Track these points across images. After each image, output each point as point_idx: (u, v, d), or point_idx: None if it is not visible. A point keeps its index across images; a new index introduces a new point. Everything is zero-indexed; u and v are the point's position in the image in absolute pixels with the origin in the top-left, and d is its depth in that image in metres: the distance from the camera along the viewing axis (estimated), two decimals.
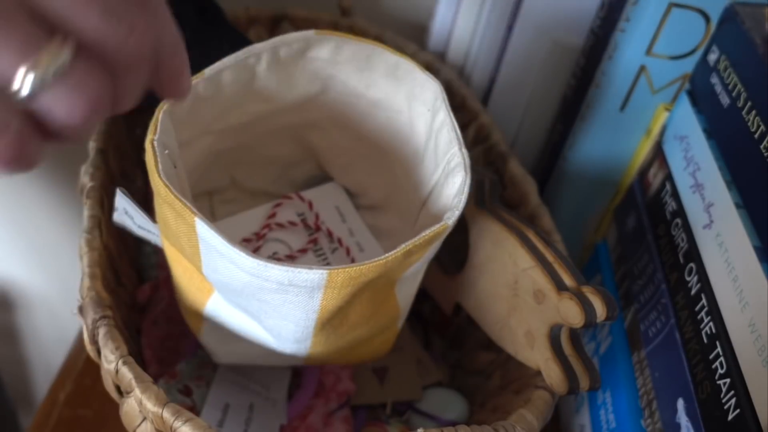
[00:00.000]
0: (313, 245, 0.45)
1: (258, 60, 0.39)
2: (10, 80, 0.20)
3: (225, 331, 0.39)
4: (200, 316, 0.39)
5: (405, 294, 0.39)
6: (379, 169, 0.46)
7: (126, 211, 0.39)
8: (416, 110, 0.41)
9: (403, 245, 0.31)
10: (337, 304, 0.32)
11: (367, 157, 0.46)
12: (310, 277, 0.30)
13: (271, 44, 0.38)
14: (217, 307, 0.37)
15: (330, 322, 0.34)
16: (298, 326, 0.34)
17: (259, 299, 0.32)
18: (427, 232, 0.32)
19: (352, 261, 0.45)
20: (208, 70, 0.37)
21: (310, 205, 0.47)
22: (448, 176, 0.37)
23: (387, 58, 0.40)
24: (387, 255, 0.31)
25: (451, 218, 0.33)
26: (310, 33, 0.39)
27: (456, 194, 0.35)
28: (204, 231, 0.30)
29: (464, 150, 0.36)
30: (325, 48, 0.40)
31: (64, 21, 0.21)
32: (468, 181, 0.35)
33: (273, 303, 0.32)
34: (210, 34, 0.47)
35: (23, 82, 0.20)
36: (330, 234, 0.46)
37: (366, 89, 0.43)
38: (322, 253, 0.45)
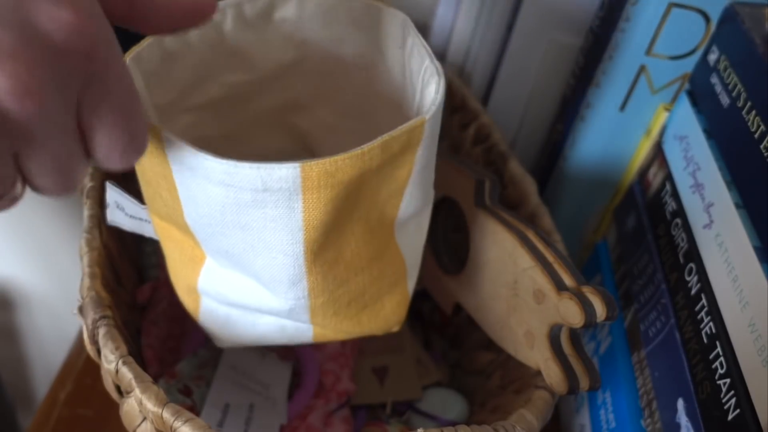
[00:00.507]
0: None
1: (223, 17, 0.37)
2: None
3: (223, 307, 0.38)
4: (196, 293, 0.37)
5: (408, 245, 0.37)
6: (371, 140, 0.44)
7: (117, 205, 0.39)
8: (390, 56, 0.39)
9: (379, 138, 0.29)
10: (321, 218, 0.30)
11: (356, 130, 0.44)
12: (283, 173, 0.28)
13: (233, 0, 0.37)
14: (210, 274, 0.36)
15: (321, 252, 0.32)
16: (287, 256, 0.31)
17: (243, 227, 0.30)
18: (405, 126, 0.30)
19: None
20: None
21: None
22: (425, 89, 0.35)
23: (353, 3, 0.38)
24: (362, 146, 0.29)
25: (428, 113, 0.31)
26: None
27: (433, 93, 0.33)
28: (172, 148, 0.28)
29: (436, 61, 0.34)
30: (290, 5, 0.38)
31: (31, 181, 0.22)
32: (442, 83, 0.33)
33: (254, 226, 0.30)
34: None
35: None
36: None
37: (338, 47, 0.40)
38: None
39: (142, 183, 0.34)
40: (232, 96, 0.41)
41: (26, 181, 0.22)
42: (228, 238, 0.32)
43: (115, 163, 0.24)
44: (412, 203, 0.34)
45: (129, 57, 0.33)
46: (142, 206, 0.38)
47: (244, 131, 0.44)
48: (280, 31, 0.39)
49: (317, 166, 0.28)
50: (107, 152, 0.23)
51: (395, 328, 0.41)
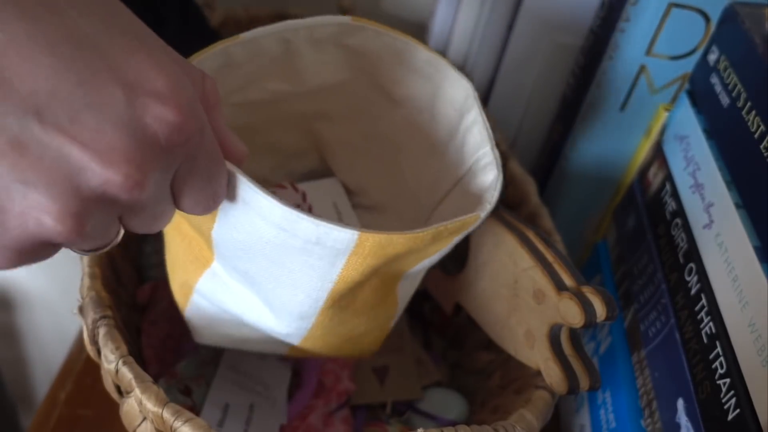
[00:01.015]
0: None
1: (295, 35, 0.38)
2: (62, 242, 0.22)
3: (214, 308, 0.38)
4: (190, 290, 0.38)
5: (405, 293, 0.39)
6: (385, 169, 0.46)
7: None
8: (440, 110, 0.41)
9: (434, 225, 0.31)
10: (354, 277, 0.31)
11: (374, 156, 0.46)
12: (341, 236, 0.29)
13: (309, 22, 0.38)
14: (213, 280, 0.36)
15: (339, 300, 0.34)
16: (308, 298, 0.33)
17: (277, 262, 0.31)
18: (459, 219, 0.31)
19: None
20: (247, 34, 0.36)
21: (304, 196, 0.46)
22: (477, 174, 0.37)
23: (420, 53, 0.39)
24: (418, 230, 0.30)
25: (483, 210, 0.33)
26: (347, 18, 0.38)
27: (489, 189, 0.35)
28: (242, 182, 0.29)
29: (496, 150, 0.36)
30: (360, 36, 0.39)
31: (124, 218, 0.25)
32: (500, 180, 0.35)
33: (290, 266, 0.31)
34: (193, 40, 0.47)
35: (73, 249, 0.25)
36: None
37: (392, 85, 0.42)
38: None
39: None
40: (270, 100, 0.42)
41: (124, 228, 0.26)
42: (254, 264, 0.32)
43: (198, 214, 0.28)
44: (426, 263, 0.36)
45: (194, 61, 0.34)
46: None
47: (263, 124, 0.44)
48: (341, 55, 0.40)
49: (374, 238, 0.29)
50: (191, 208, 0.27)
51: (367, 355, 0.43)
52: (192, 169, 0.25)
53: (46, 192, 0.21)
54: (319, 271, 0.31)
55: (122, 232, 0.26)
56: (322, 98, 0.43)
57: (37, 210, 0.21)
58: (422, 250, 0.32)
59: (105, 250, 0.25)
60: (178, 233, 0.36)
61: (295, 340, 0.37)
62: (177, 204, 0.26)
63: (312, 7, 0.58)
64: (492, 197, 0.34)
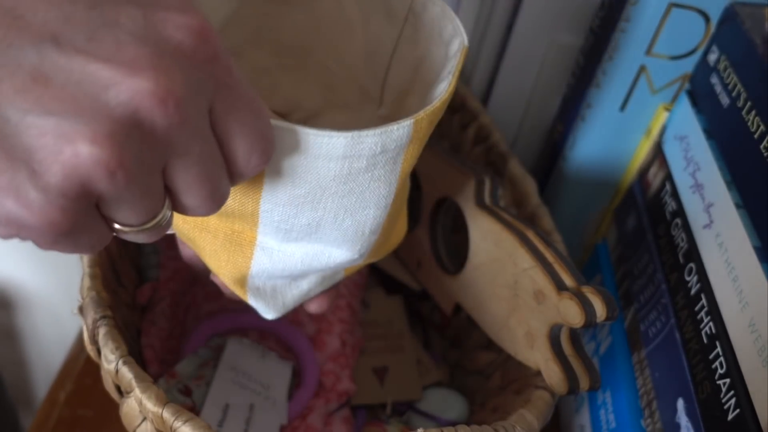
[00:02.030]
0: None
1: None
2: (115, 221, 0.22)
3: (273, 281, 0.37)
4: (245, 280, 0.36)
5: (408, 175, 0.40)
6: (308, 69, 0.43)
7: None
8: None
9: (449, 76, 0.31)
10: (407, 169, 0.32)
11: (292, 66, 0.43)
12: (401, 131, 0.29)
13: None
14: (264, 256, 0.35)
15: (396, 199, 0.33)
16: (378, 209, 0.32)
17: (345, 193, 0.30)
18: (454, 63, 0.31)
19: None
20: None
21: None
22: (419, 14, 0.36)
23: None
24: (444, 94, 0.30)
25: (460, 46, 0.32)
26: None
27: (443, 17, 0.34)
28: (280, 134, 0.27)
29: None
30: None
31: (180, 199, 0.23)
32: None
33: (359, 190, 0.31)
34: None
35: (124, 228, 0.23)
36: None
37: None
38: None
39: None
40: None
41: (175, 201, 0.24)
42: (319, 210, 0.31)
43: (255, 166, 0.25)
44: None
45: None
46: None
47: None
48: None
49: (427, 117, 0.29)
50: (247, 156, 0.24)
51: (399, 241, 0.41)
52: (233, 101, 0.23)
53: (76, 118, 0.19)
54: (385, 179, 0.31)
55: (169, 209, 0.24)
56: (225, 37, 0.41)
57: (71, 140, 0.19)
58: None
59: (154, 222, 0.23)
60: (205, 231, 0.35)
61: (361, 259, 0.36)
62: (227, 151, 0.24)
63: None
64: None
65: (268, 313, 0.38)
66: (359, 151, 0.29)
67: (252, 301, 0.37)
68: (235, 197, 0.31)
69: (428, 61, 0.39)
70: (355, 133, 0.28)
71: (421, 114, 0.29)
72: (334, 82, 0.43)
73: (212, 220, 0.34)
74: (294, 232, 0.33)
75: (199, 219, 0.34)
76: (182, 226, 0.35)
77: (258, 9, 0.39)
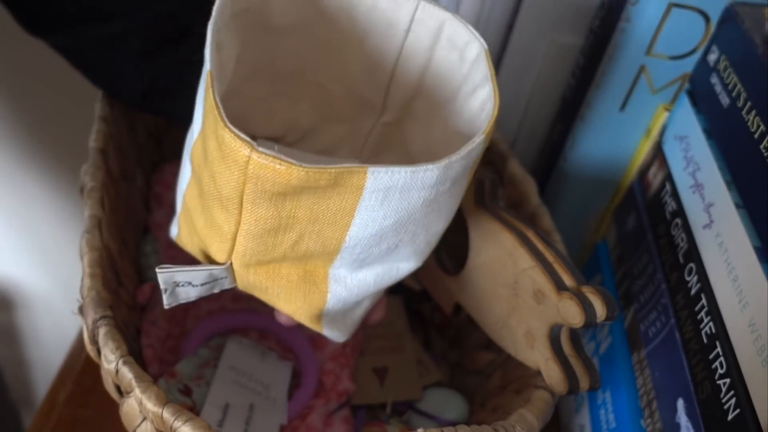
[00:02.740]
0: None
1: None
2: None
3: (347, 307, 0.37)
4: (321, 313, 0.36)
5: None
6: (303, 91, 0.43)
7: (176, 285, 0.34)
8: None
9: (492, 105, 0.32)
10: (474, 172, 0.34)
11: (287, 90, 0.43)
12: (479, 147, 0.30)
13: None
14: (340, 287, 0.35)
15: None
16: (447, 221, 0.34)
17: (424, 216, 0.32)
18: (485, 131, 0.31)
19: None
20: None
21: None
22: (423, 20, 0.37)
23: None
24: (487, 92, 0.32)
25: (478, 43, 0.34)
26: None
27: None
28: (379, 176, 0.28)
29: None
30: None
31: None
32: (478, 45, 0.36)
33: (437, 209, 0.32)
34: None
35: None
36: None
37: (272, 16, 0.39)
38: None
39: (259, 232, 0.31)
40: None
41: None
42: (399, 235, 0.32)
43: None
44: None
45: None
46: (207, 266, 0.34)
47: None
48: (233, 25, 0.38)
49: (492, 126, 0.31)
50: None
51: None
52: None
53: None
54: (458, 194, 0.32)
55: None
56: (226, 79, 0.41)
57: None
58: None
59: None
60: (279, 278, 0.34)
61: (420, 265, 0.37)
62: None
63: None
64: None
65: (342, 337, 0.39)
66: (448, 176, 0.30)
67: (327, 332, 0.38)
68: (318, 240, 0.31)
69: (435, 65, 0.39)
70: (447, 163, 0.29)
71: (490, 126, 0.31)
72: (329, 98, 0.44)
73: (284, 266, 0.34)
74: (370, 258, 0.33)
75: (271, 267, 0.34)
76: (253, 279, 0.34)
77: (257, 43, 0.39)
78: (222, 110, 0.28)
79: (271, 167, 0.27)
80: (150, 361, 0.43)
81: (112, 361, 0.33)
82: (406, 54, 0.40)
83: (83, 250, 0.38)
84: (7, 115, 0.76)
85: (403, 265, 0.36)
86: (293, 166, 0.27)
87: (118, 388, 0.35)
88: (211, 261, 0.34)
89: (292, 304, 0.35)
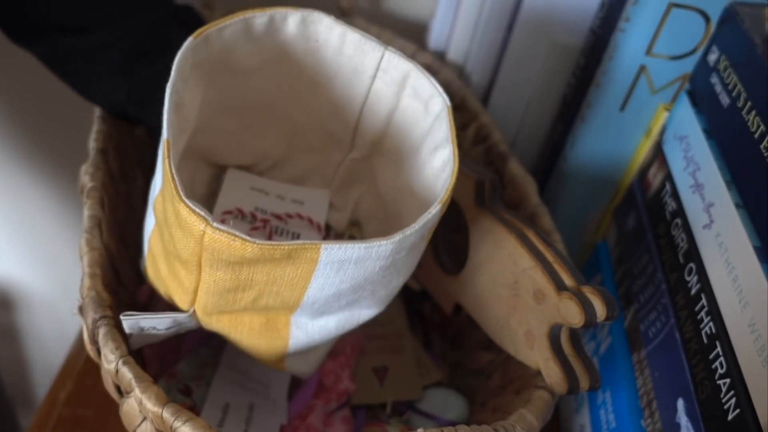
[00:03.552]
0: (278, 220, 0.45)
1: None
2: None
3: (309, 350, 0.38)
4: (284, 357, 0.38)
5: None
6: (272, 123, 0.44)
7: (141, 330, 0.35)
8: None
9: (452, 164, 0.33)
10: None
11: (256, 123, 0.44)
12: (435, 217, 0.31)
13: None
14: (301, 332, 0.36)
15: None
16: (407, 276, 0.35)
17: (382, 277, 0.33)
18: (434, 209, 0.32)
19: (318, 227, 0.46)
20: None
21: (319, 227, 0.47)
22: (388, 70, 0.38)
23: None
24: (446, 155, 0.33)
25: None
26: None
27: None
28: (332, 252, 0.29)
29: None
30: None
31: None
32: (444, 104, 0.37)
33: (395, 270, 0.33)
34: None
35: None
36: (279, 217, 0.45)
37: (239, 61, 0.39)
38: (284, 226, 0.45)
39: (219, 290, 0.32)
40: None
41: None
42: (356, 293, 0.33)
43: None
44: None
45: (214, 27, 0.34)
46: (170, 314, 0.35)
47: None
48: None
49: (449, 193, 0.33)
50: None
51: None
52: None
53: None
54: (418, 253, 0.33)
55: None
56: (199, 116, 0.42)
57: None
58: None
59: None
60: (241, 325, 0.35)
61: (384, 309, 0.38)
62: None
63: (312, 7, 0.58)
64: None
65: (305, 374, 0.41)
66: (403, 247, 0.31)
67: (290, 370, 0.39)
68: (277, 299, 0.32)
69: (401, 111, 0.40)
70: (401, 237, 0.30)
71: (446, 195, 0.32)
72: (299, 129, 0.44)
73: (245, 315, 0.35)
74: (331, 309, 0.35)
75: (234, 316, 0.35)
76: (216, 325, 0.35)
77: (224, 84, 0.40)
78: (178, 183, 0.29)
79: (227, 242, 0.28)
80: (150, 361, 0.43)
81: (112, 361, 0.33)
82: (372, 98, 0.40)
83: (83, 250, 0.38)
84: (7, 115, 0.76)
85: (364, 312, 0.37)
86: (247, 243, 0.28)
87: (118, 388, 0.35)
88: (174, 306, 0.36)
89: (254, 349, 0.37)
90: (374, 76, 0.39)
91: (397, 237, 0.30)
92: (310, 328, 0.36)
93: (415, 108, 0.39)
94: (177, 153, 0.34)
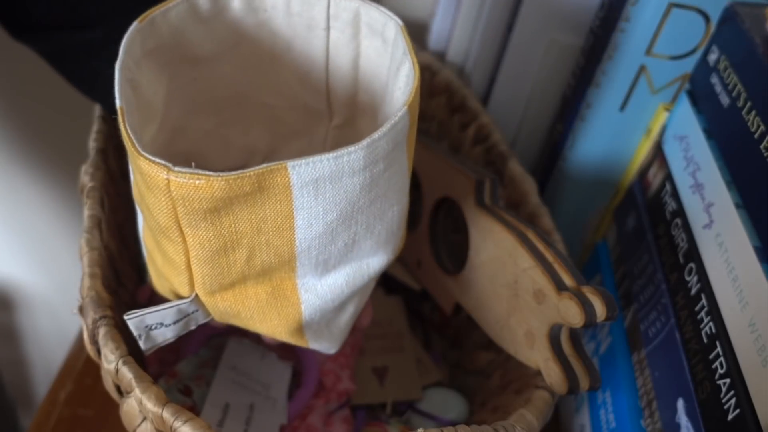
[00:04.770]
0: None
1: None
2: None
3: (331, 318, 0.37)
4: (301, 326, 0.36)
5: None
6: (251, 114, 0.43)
7: (151, 327, 0.34)
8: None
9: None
10: (412, 148, 0.33)
11: (234, 119, 0.43)
12: (403, 122, 0.29)
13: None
14: (311, 296, 0.35)
15: (408, 181, 0.35)
16: (400, 204, 0.33)
17: (370, 203, 0.31)
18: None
19: None
20: None
21: None
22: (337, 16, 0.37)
23: None
24: (408, 68, 0.31)
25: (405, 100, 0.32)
26: None
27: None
28: (301, 170, 0.28)
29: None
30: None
31: None
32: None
33: (381, 193, 0.31)
34: None
35: None
36: None
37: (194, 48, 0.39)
38: None
39: (208, 255, 0.31)
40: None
41: None
42: (350, 228, 0.32)
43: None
44: None
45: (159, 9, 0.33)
46: (173, 303, 0.34)
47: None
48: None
49: (414, 98, 0.30)
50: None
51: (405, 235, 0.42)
52: None
53: None
54: (400, 172, 0.32)
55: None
56: (168, 114, 0.41)
57: None
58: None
59: None
60: (248, 299, 0.34)
61: (393, 257, 0.37)
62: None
63: None
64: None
65: (331, 349, 0.39)
66: (377, 156, 0.29)
67: (314, 345, 0.38)
68: (270, 251, 0.31)
69: (363, 55, 0.39)
70: (369, 141, 0.28)
71: (411, 97, 0.30)
72: (277, 114, 0.44)
73: (249, 286, 0.34)
74: (332, 259, 0.33)
75: (237, 290, 0.33)
76: (223, 305, 0.34)
77: (187, 77, 0.39)
78: (134, 139, 0.28)
79: (192, 184, 0.27)
80: (150, 361, 0.43)
81: (112, 361, 0.33)
82: (333, 52, 0.40)
83: (83, 250, 0.38)
84: (7, 115, 0.76)
85: (372, 261, 0.35)
86: (212, 178, 0.27)
87: (118, 388, 0.35)
88: (179, 298, 0.34)
89: (268, 324, 0.35)
90: (327, 27, 0.38)
91: (364, 142, 0.28)
92: (319, 288, 0.35)
93: (376, 46, 0.38)
94: (133, 122, 0.32)
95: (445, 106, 0.56)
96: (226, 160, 0.45)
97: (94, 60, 0.43)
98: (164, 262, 0.33)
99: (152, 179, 0.28)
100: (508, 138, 0.60)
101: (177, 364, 0.43)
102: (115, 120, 0.47)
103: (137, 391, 0.32)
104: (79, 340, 0.53)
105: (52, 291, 0.99)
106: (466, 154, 0.53)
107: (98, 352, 0.35)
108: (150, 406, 0.31)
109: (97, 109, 0.47)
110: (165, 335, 0.35)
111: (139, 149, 0.28)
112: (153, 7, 0.35)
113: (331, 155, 0.28)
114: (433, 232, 0.48)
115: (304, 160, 0.28)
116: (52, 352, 1.06)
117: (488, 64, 0.58)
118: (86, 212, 0.40)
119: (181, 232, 0.30)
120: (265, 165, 0.28)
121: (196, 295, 0.33)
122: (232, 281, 0.33)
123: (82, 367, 0.50)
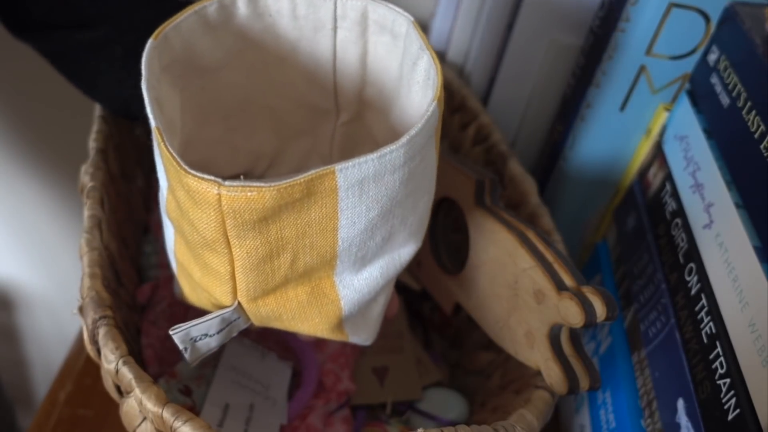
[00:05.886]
0: None
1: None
2: None
3: (367, 311, 0.37)
4: (341, 322, 0.36)
5: None
6: (256, 118, 0.43)
7: (194, 341, 0.33)
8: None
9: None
10: (439, 137, 0.34)
11: (240, 125, 0.43)
12: (434, 114, 0.30)
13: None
14: (350, 293, 0.35)
15: None
16: (430, 193, 0.34)
17: (407, 197, 0.32)
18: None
19: None
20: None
21: None
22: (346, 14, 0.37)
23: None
24: (426, 61, 0.32)
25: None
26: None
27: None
28: (348, 172, 0.28)
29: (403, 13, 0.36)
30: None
31: None
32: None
33: (416, 185, 0.32)
34: None
35: None
36: None
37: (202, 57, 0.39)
38: None
39: (254, 263, 0.31)
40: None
41: None
42: (388, 223, 0.32)
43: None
44: None
45: (171, 24, 0.34)
46: (216, 313, 0.34)
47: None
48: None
49: (440, 91, 0.31)
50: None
51: None
52: None
53: None
54: (431, 163, 0.32)
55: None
56: (182, 128, 0.41)
57: None
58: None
59: None
60: (292, 303, 0.34)
61: (420, 245, 0.37)
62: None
63: None
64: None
65: (368, 340, 0.39)
66: (415, 151, 0.30)
67: (354, 339, 0.38)
68: (312, 253, 0.31)
69: (371, 51, 0.39)
70: (408, 138, 0.29)
71: (439, 89, 0.30)
72: (282, 116, 0.44)
73: (289, 288, 0.34)
74: (369, 254, 0.33)
75: (278, 294, 0.34)
76: (264, 310, 0.34)
77: (195, 87, 0.39)
78: (179, 159, 0.28)
79: (243, 197, 0.27)
80: (150, 361, 0.43)
81: (112, 361, 0.33)
82: (341, 51, 0.40)
83: (83, 250, 0.38)
84: (7, 115, 0.76)
85: (403, 251, 0.36)
86: (264, 189, 0.27)
87: (118, 388, 0.35)
88: (220, 307, 0.34)
89: (309, 323, 0.35)
90: (335, 27, 0.38)
91: (404, 139, 0.29)
92: (356, 283, 0.35)
93: (385, 42, 0.38)
94: (171, 141, 0.33)
95: (445, 106, 0.56)
96: (233, 165, 0.45)
97: (95, 59, 0.43)
98: (204, 274, 0.33)
99: (201, 195, 0.28)
100: (508, 138, 0.60)
101: (177, 364, 0.43)
102: (116, 120, 0.47)
103: (137, 391, 0.32)
104: (79, 340, 0.53)
105: (52, 291, 0.99)
106: (466, 154, 0.53)
107: (98, 352, 0.35)
108: (150, 406, 0.31)
109: (97, 109, 0.46)
110: (209, 345, 0.35)
111: (186, 168, 0.28)
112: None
113: (374, 155, 0.28)
114: (433, 232, 0.48)
115: (350, 163, 0.28)
116: (52, 352, 1.06)
117: (488, 64, 0.58)
118: (86, 212, 0.40)
119: (228, 243, 0.30)
120: (313, 171, 0.28)
121: (239, 303, 0.33)
122: (275, 286, 0.33)
123: (82, 367, 0.50)
